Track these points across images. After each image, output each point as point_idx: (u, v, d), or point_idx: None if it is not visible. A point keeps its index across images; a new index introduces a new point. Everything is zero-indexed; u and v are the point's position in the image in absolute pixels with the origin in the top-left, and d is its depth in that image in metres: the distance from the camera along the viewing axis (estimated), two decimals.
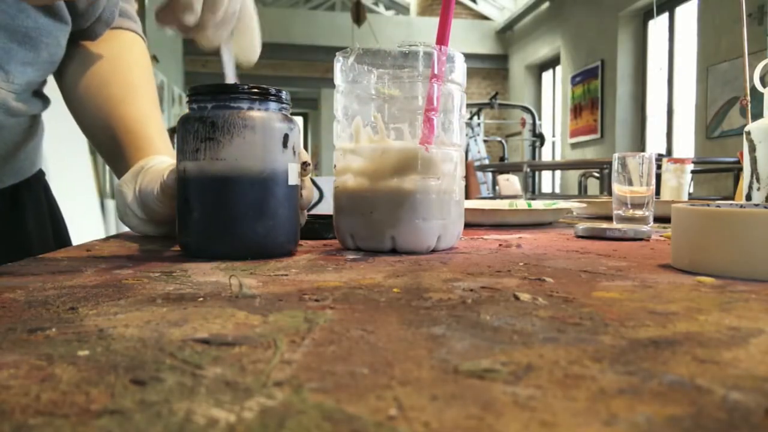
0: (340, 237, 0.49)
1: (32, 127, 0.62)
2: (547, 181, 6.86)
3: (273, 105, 0.43)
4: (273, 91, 0.43)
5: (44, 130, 0.66)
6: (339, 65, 0.48)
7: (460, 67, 0.49)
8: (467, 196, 4.80)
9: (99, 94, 0.61)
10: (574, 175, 5.34)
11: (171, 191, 0.46)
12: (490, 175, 5.07)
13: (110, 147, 0.60)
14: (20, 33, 0.52)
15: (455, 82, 0.48)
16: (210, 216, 0.42)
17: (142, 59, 0.66)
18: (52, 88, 0.64)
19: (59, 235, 0.68)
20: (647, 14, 5.22)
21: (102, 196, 4.02)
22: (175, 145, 0.45)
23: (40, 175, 0.68)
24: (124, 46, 0.65)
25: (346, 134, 0.49)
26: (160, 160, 0.55)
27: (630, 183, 0.73)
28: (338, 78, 0.49)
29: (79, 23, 0.59)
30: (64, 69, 0.63)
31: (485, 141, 5.90)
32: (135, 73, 0.64)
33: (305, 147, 10.44)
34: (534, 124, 5.65)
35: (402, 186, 0.45)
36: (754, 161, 0.66)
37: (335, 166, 0.49)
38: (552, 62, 7.16)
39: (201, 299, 0.28)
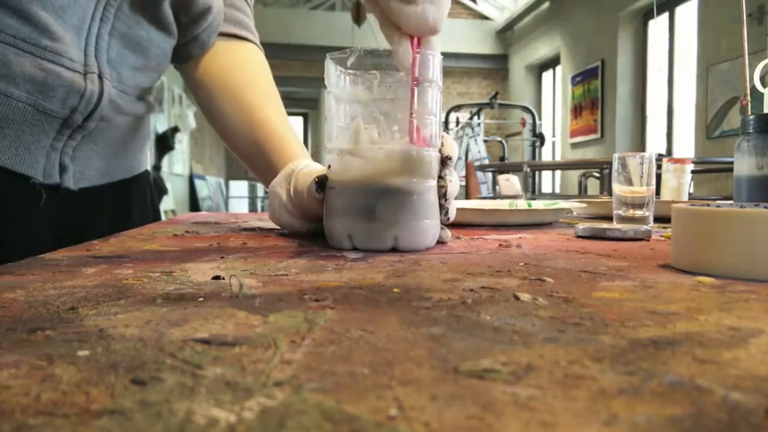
0: (335, 238, 0.48)
1: (140, 128, 0.69)
2: (547, 181, 6.86)
3: None
4: None
5: (151, 135, 0.75)
6: (332, 66, 0.48)
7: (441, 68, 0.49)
8: (467, 196, 4.75)
9: (237, 98, 0.69)
10: (574, 175, 5.34)
11: (315, 196, 0.50)
12: (490, 175, 5.07)
13: (252, 150, 0.68)
14: (134, 42, 0.59)
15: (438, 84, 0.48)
16: None
17: (267, 69, 0.74)
18: None
19: None
20: (647, 14, 5.22)
21: None
22: None
23: (146, 174, 0.75)
24: (253, 56, 0.73)
25: (344, 135, 0.48)
26: (305, 163, 0.60)
27: (630, 183, 0.73)
28: (331, 79, 0.48)
29: (183, 35, 0.66)
30: (202, 76, 0.71)
31: (485, 141, 5.90)
32: (267, 80, 0.72)
33: (305, 147, 10.40)
34: (534, 124, 5.65)
35: (405, 187, 0.45)
36: None
37: (329, 166, 0.49)
38: (552, 62, 7.16)
39: (201, 299, 0.28)
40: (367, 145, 0.47)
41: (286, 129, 0.68)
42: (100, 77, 0.55)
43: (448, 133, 5.74)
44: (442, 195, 0.49)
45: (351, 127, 0.48)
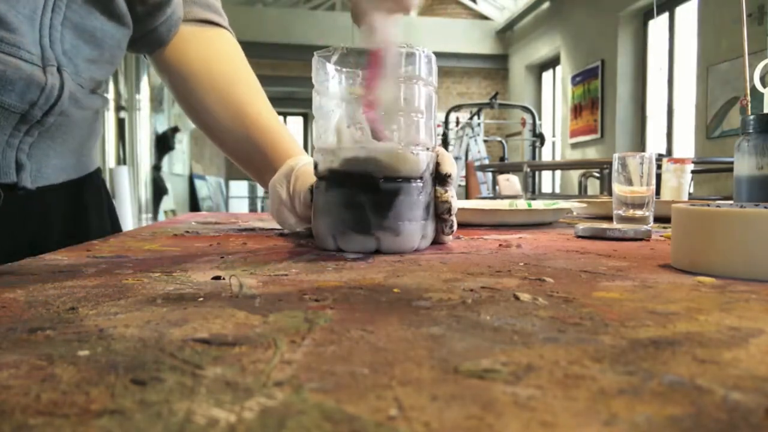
0: (320, 239, 0.48)
1: (95, 123, 0.67)
2: (547, 181, 6.86)
3: None
4: None
5: (101, 131, 0.71)
6: (318, 65, 0.48)
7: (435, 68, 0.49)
8: (467, 196, 4.73)
9: (224, 93, 0.67)
10: (574, 175, 5.34)
11: (308, 203, 0.52)
12: (490, 175, 5.07)
13: (245, 147, 0.67)
14: (87, 33, 0.57)
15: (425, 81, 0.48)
16: None
17: (245, 58, 0.72)
18: None
19: (115, 227, 0.73)
20: (647, 14, 5.22)
21: None
22: None
23: (99, 172, 0.72)
24: (231, 45, 0.71)
25: (327, 135, 0.48)
26: (305, 161, 0.59)
27: (630, 183, 0.73)
28: (318, 77, 0.48)
29: (141, 27, 0.64)
30: (179, 65, 0.68)
31: (485, 141, 5.90)
32: (251, 73, 0.70)
33: (305, 147, 10.43)
34: (534, 124, 5.65)
35: (387, 187, 0.45)
36: None
37: (316, 166, 0.48)
38: (552, 62, 7.16)
39: (201, 299, 0.28)
40: (349, 144, 0.46)
41: (280, 124, 0.67)
42: (59, 70, 0.53)
43: (448, 132, 5.67)
44: (446, 210, 0.49)
45: (334, 127, 0.47)
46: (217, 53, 0.69)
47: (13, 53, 0.49)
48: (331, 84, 0.48)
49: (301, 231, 0.60)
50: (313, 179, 0.51)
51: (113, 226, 0.72)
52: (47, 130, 0.56)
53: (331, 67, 0.47)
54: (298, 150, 0.64)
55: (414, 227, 0.46)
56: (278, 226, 0.71)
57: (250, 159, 0.68)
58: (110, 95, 4.40)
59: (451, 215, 0.49)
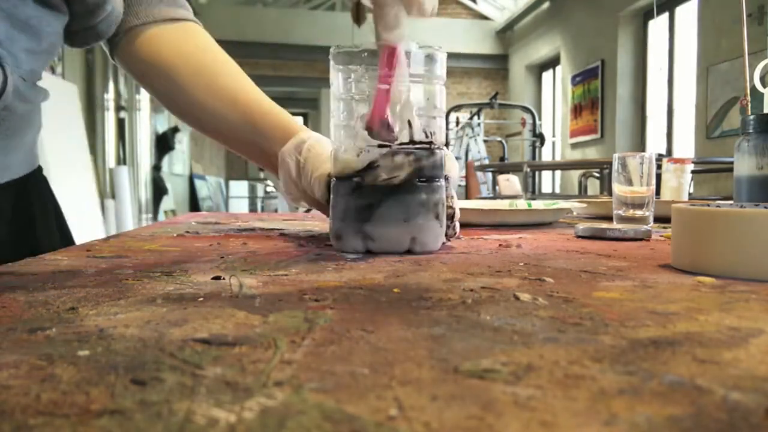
0: (334, 238, 0.47)
1: (37, 117, 0.64)
2: (547, 181, 6.85)
3: None
4: None
5: (42, 126, 0.69)
6: (334, 68, 0.48)
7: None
8: (467, 196, 4.73)
9: (214, 84, 0.65)
10: (574, 175, 5.34)
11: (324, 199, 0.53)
12: (490, 175, 5.07)
13: (243, 133, 0.64)
14: (21, 21, 0.54)
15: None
16: None
17: (218, 46, 0.70)
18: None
19: (63, 229, 0.70)
20: (647, 14, 5.22)
21: (102, 196, 4.03)
22: None
23: (41, 170, 0.70)
24: (204, 36, 0.69)
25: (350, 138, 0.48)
26: (316, 137, 0.59)
27: (630, 183, 0.73)
28: (336, 81, 0.48)
29: (80, 23, 0.61)
30: (158, 66, 0.66)
31: (485, 141, 5.90)
32: (231, 60, 0.68)
33: None
34: (534, 124, 5.65)
35: (367, 187, 0.46)
36: None
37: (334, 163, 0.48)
38: (552, 62, 7.16)
39: (201, 299, 0.28)
40: (344, 147, 0.47)
41: (276, 106, 0.65)
42: (1, 64, 0.51)
43: (448, 133, 5.66)
44: (449, 216, 0.49)
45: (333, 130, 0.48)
46: (194, 47, 0.67)
47: None
48: (340, 85, 0.47)
49: (307, 206, 0.61)
50: (325, 158, 0.53)
51: (60, 227, 0.69)
52: None
53: (345, 68, 0.47)
54: (302, 126, 0.63)
55: (398, 228, 0.45)
56: (278, 226, 0.71)
57: (251, 143, 0.65)
58: (110, 95, 4.40)
59: (453, 221, 0.50)
